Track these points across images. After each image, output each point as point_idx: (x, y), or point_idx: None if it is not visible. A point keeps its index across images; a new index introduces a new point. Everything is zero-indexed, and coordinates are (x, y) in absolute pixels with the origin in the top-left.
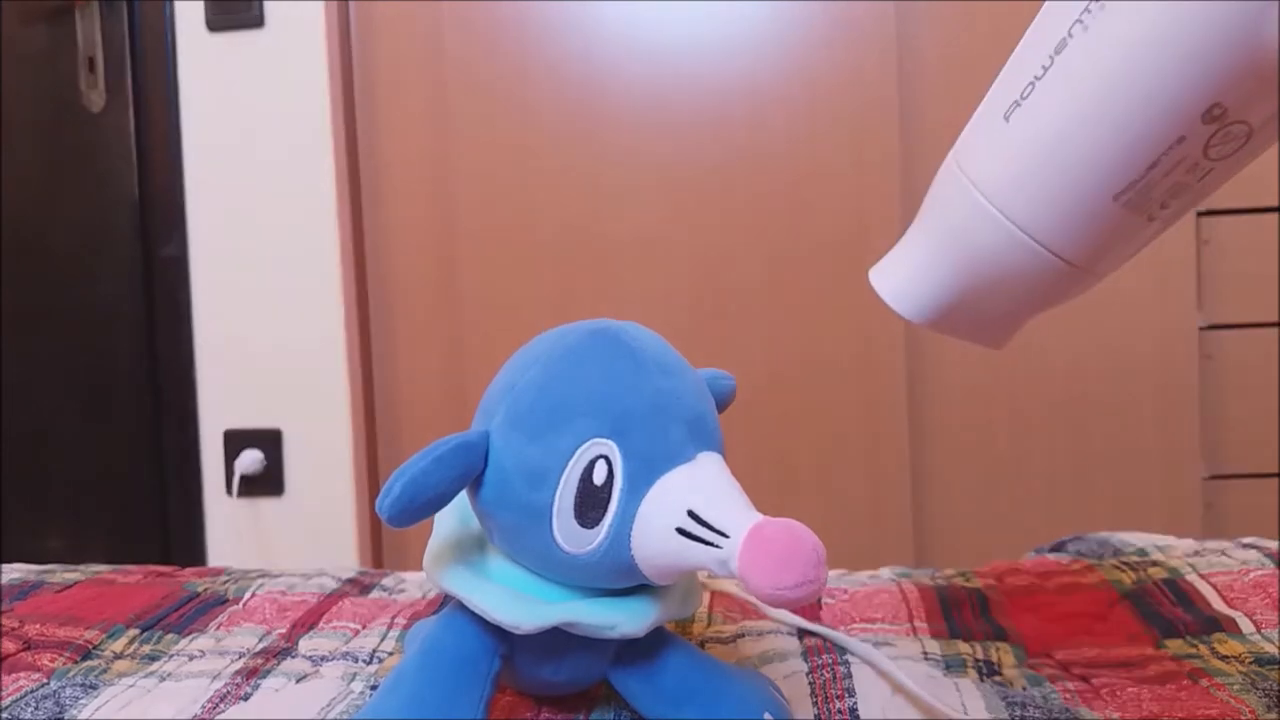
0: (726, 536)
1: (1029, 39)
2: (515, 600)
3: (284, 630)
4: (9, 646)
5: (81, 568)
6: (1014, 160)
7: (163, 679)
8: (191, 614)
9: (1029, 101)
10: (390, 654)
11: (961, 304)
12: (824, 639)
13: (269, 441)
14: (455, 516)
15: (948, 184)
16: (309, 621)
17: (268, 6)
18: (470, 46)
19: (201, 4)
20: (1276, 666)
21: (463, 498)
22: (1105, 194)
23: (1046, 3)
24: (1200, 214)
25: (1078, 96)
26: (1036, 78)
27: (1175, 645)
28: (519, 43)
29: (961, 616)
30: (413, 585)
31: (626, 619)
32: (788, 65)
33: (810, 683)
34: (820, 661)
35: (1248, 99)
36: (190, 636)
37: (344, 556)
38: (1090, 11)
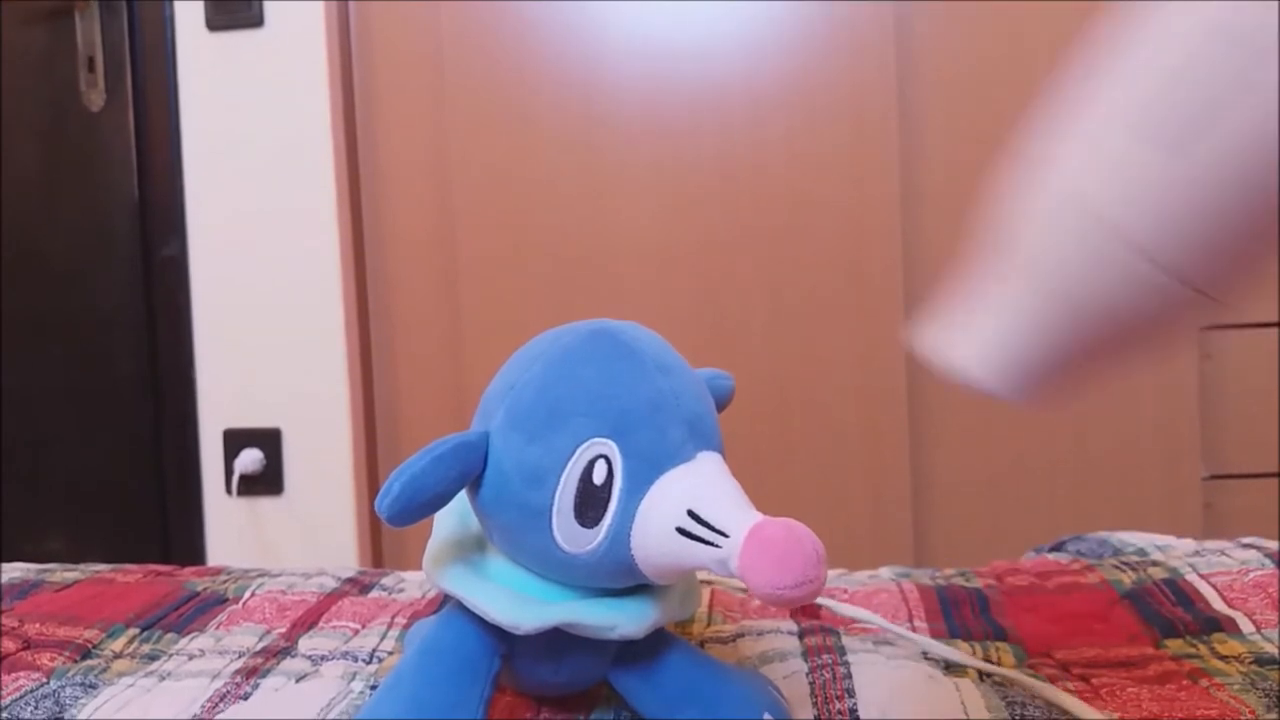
0: (726, 536)
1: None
2: (515, 600)
3: (284, 630)
4: (9, 646)
5: (81, 567)
6: (1182, 202)
7: (162, 678)
8: (191, 613)
9: (1206, 129)
10: (390, 654)
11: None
12: (824, 635)
13: (269, 441)
14: (455, 516)
15: (1066, 230)
16: (309, 621)
17: (267, 6)
18: (470, 47)
19: (201, 4)
20: (1276, 666)
21: (463, 498)
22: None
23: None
24: None
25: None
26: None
27: (1175, 645)
28: (518, 43)
29: (961, 616)
30: (412, 585)
31: (626, 619)
32: (788, 66)
33: (810, 683)
34: (820, 662)
35: None
36: (190, 636)
37: (344, 556)
38: None
